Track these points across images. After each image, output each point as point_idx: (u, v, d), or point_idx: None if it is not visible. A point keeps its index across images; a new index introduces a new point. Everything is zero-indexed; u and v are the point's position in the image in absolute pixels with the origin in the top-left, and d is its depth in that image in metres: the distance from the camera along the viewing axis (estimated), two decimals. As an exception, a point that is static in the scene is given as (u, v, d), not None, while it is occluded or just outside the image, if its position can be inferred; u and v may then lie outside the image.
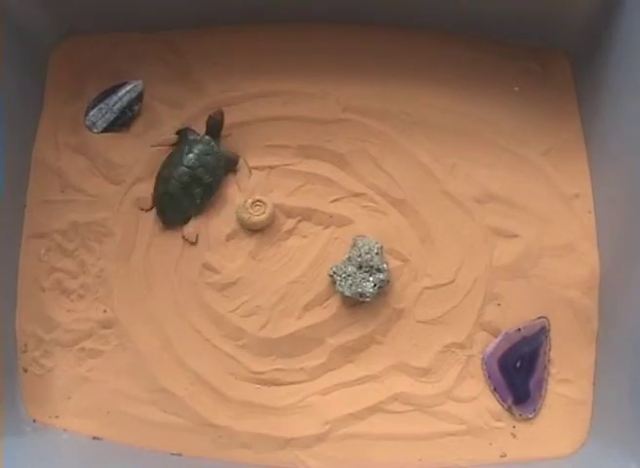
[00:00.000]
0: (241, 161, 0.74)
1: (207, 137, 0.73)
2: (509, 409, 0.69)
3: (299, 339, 0.71)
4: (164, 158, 0.73)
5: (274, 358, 0.70)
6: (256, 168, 0.74)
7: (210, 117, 0.73)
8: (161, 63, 0.77)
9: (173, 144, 0.74)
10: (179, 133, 0.74)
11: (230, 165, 0.74)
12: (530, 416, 0.69)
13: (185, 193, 0.72)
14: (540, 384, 0.69)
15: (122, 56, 0.77)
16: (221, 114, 0.73)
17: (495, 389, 0.69)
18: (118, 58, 0.77)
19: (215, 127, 0.73)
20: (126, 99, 0.75)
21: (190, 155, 0.72)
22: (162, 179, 0.72)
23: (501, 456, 0.68)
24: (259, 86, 0.76)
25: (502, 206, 0.74)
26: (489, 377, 0.69)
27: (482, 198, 0.74)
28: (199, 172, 0.72)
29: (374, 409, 0.69)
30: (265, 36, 0.77)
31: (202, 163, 0.72)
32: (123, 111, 0.75)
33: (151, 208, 0.73)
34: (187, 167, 0.71)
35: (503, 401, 0.69)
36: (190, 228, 0.72)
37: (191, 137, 0.73)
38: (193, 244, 0.72)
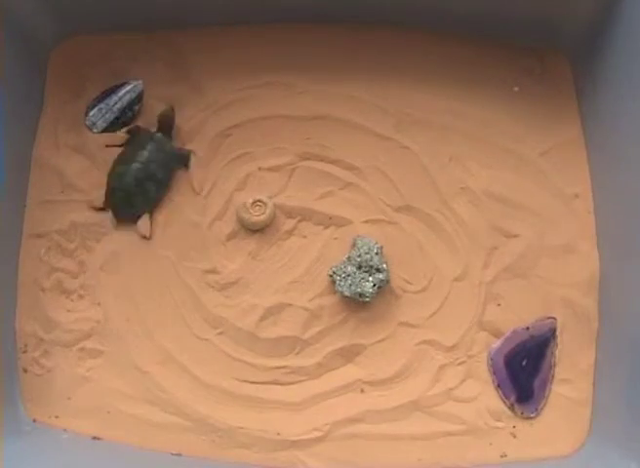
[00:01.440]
0: (192, 156, 0.74)
1: (159, 134, 0.73)
2: (511, 407, 0.69)
3: (299, 340, 0.71)
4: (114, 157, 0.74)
5: (274, 358, 0.70)
6: (258, 168, 0.74)
7: (161, 114, 0.73)
8: (161, 63, 0.77)
9: (122, 144, 0.74)
10: (130, 131, 0.74)
11: (182, 161, 0.74)
12: (532, 415, 0.69)
13: (139, 189, 0.72)
14: (545, 384, 0.69)
15: (122, 56, 0.77)
16: (172, 110, 0.73)
17: (498, 385, 0.69)
18: (118, 58, 0.77)
19: (166, 123, 0.74)
20: (126, 99, 0.75)
21: (144, 151, 0.72)
22: (115, 176, 0.72)
23: (502, 456, 0.68)
24: (259, 86, 0.76)
25: (503, 206, 0.73)
26: (494, 373, 0.69)
27: (482, 198, 0.74)
28: (152, 168, 0.72)
29: (373, 410, 0.69)
30: (266, 36, 0.77)
31: (155, 159, 0.72)
32: (123, 111, 0.75)
33: (104, 206, 0.73)
34: (141, 163, 0.72)
35: (506, 398, 0.69)
36: (145, 224, 0.73)
37: (143, 135, 0.73)
38: (147, 239, 0.73)
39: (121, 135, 0.74)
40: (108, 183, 0.73)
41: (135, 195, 0.72)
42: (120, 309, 0.72)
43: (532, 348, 0.70)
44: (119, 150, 0.74)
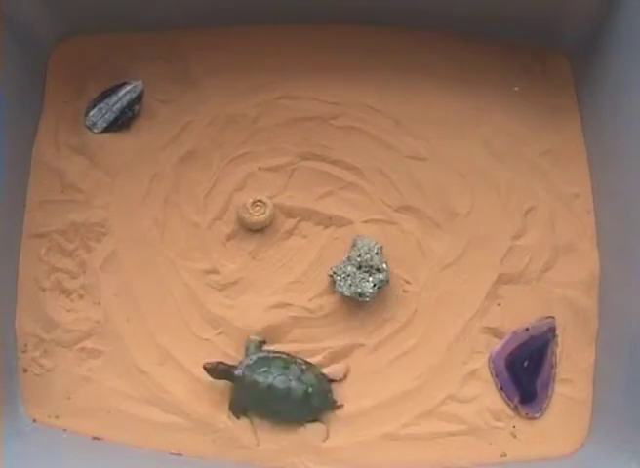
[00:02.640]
0: (254, 337, 0.70)
1: (239, 370, 0.67)
2: (515, 408, 0.69)
3: (298, 340, 0.70)
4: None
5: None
6: (258, 168, 0.74)
7: (211, 374, 0.68)
8: (161, 63, 0.77)
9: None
10: (229, 378, 0.68)
11: (261, 345, 0.69)
12: (536, 416, 0.69)
13: (306, 393, 0.67)
14: (547, 384, 0.69)
15: (122, 56, 0.77)
16: (208, 364, 0.67)
17: (501, 388, 0.69)
18: (118, 58, 0.77)
19: (222, 371, 0.68)
20: (126, 99, 0.75)
21: (271, 376, 0.67)
22: (281, 408, 0.67)
23: (502, 456, 0.68)
24: (259, 86, 0.76)
25: (502, 205, 0.73)
26: (495, 376, 0.69)
27: (482, 197, 0.73)
28: (277, 375, 0.67)
29: (374, 409, 0.69)
30: (265, 36, 0.77)
31: (264, 370, 0.67)
32: (123, 111, 0.75)
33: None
34: (274, 376, 0.67)
35: (510, 399, 0.69)
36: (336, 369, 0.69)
37: (240, 373, 0.67)
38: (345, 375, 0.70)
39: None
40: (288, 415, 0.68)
41: (314, 391, 0.67)
42: (120, 309, 0.71)
43: (532, 349, 0.70)
44: (116, 151, 0.74)
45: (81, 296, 0.72)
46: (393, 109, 0.75)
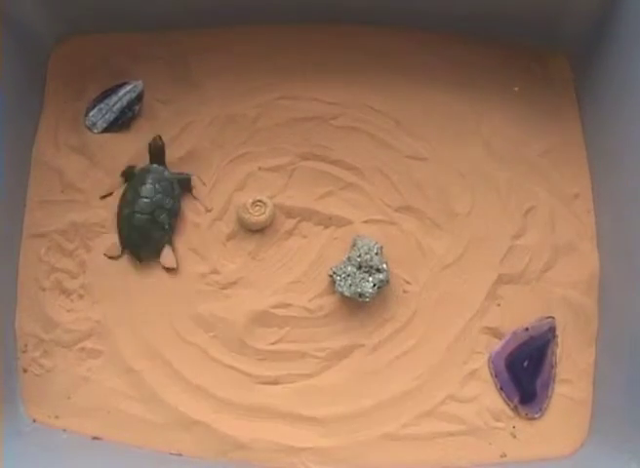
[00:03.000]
0: (194, 178, 0.74)
1: (154, 165, 0.73)
2: (515, 409, 0.69)
3: (298, 339, 0.70)
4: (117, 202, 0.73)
5: (273, 359, 0.70)
6: (258, 168, 0.74)
7: (150, 144, 0.73)
8: (161, 64, 0.77)
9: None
10: (124, 174, 0.73)
11: (185, 185, 0.73)
12: (536, 416, 0.69)
13: (153, 223, 0.71)
14: (547, 384, 0.69)
15: (122, 56, 0.77)
16: (160, 139, 0.72)
17: (501, 388, 0.69)
18: (118, 58, 0.77)
19: (158, 152, 0.73)
20: (126, 100, 0.75)
21: (146, 185, 0.71)
22: (124, 219, 0.72)
23: (501, 456, 0.68)
24: (259, 86, 0.76)
25: (502, 206, 0.73)
26: (495, 376, 0.69)
27: (482, 197, 0.74)
28: (158, 198, 0.71)
29: (374, 409, 0.69)
30: (265, 37, 0.77)
31: (159, 190, 0.72)
32: (123, 111, 0.75)
33: (122, 253, 0.72)
34: (146, 197, 0.71)
35: (510, 400, 0.69)
36: (168, 256, 0.72)
37: (138, 172, 0.73)
38: (174, 270, 0.72)
39: (116, 181, 0.74)
40: (121, 228, 0.72)
41: (150, 231, 0.71)
42: (119, 309, 0.71)
43: (532, 349, 0.70)
44: (117, 151, 0.74)
45: (81, 296, 0.72)
46: (393, 109, 0.75)
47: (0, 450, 0.62)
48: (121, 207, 0.72)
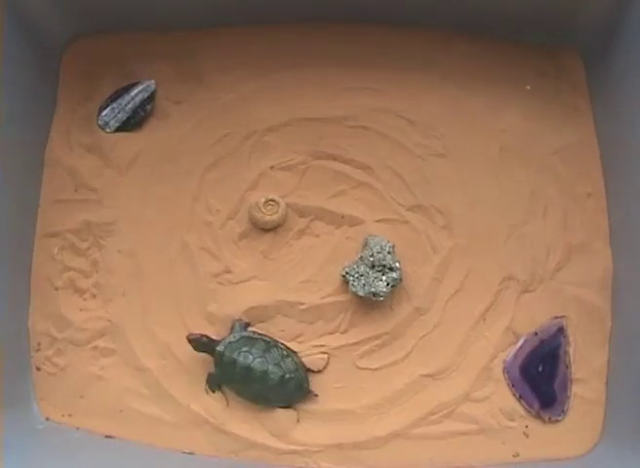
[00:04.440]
0: (240, 318, 0.71)
1: (218, 351, 0.68)
2: (538, 415, 0.68)
3: (309, 339, 0.71)
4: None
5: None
6: (270, 167, 0.74)
7: (193, 346, 0.68)
8: (173, 63, 0.77)
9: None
10: (211, 384, 0.70)
11: (246, 326, 0.70)
12: (559, 419, 0.68)
13: (282, 379, 0.68)
14: (565, 384, 0.69)
15: (134, 55, 0.77)
16: (191, 335, 0.68)
17: (520, 397, 0.69)
18: (130, 57, 0.77)
19: (202, 343, 0.68)
20: (138, 99, 0.75)
21: (237, 361, 0.67)
22: (261, 389, 0.68)
23: (514, 456, 0.68)
24: (271, 86, 0.76)
25: (515, 205, 0.73)
26: (512, 386, 0.69)
27: (493, 198, 0.73)
28: (256, 353, 0.68)
29: (386, 408, 0.69)
30: (276, 35, 0.77)
31: (245, 350, 0.68)
32: (135, 111, 0.75)
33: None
34: (254, 356, 0.68)
35: (530, 407, 0.69)
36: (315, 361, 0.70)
37: (216, 370, 0.69)
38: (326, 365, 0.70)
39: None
40: (272, 399, 0.69)
41: (290, 378, 0.68)
42: (132, 308, 0.72)
43: (545, 352, 0.70)
44: (129, 150, 0.75)
45: (94, 295, 0.72)
46: (406, 109, 0.75)
47: (13, 448, 0.63)
48: (240, 388, 0.68)
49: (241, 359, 0.68)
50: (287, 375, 0.68)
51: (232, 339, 0.69)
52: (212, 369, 0.69)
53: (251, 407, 0.69)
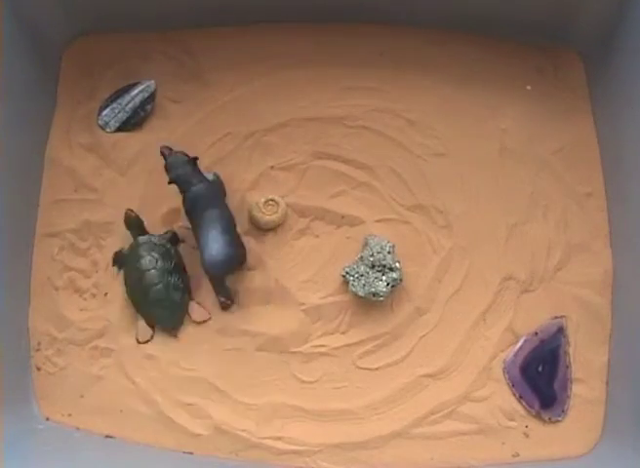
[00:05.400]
0: (178, 230, 0.73)
1: (139, 238, 0.71)
2: (538, 415, 0.68)
3: (310, 339, 0.70)
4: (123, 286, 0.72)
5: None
6: (270, 167, 0.74)
7: (126, 222, 0.71)
8: (173, 63, 0.78)
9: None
10: (115, 261, 0.72)
11: (175, 241, 0.72)
12: (559, 419, 0.68)
13: (168, 289, 0.70)
14: (565, 384, 0.69)
15: (134, 55, 0.78)
16: (131, 211, 0.71)
17: (520, 397, 0.69)
18: (130, 57, 0.78)
19: (136, 225, 0.71)
20: (139, 99, 0.75)
21: (144, 258, 0.70)
22: (141, 299, 0.70)
23: (514, 456, 0.68)
24: (271, 85, 0.76)
25: (515, 204, 0.73)
26: (512, 386, 0.69)
27: (493, 197, 0.73)
28: (161, 265, 0.70)
29: (386, 408, 0.69)
30: (276, 35, 0.77)
31: (156, 257, 0.70)
32: (136, 111, 0.75)
33: (154, 332, 0.71)
34: (150, 269, 0.70)
35: (531, 407, 0.68)
36: (197, 311, 0.71)
37: (128, 251, 0.71)
38: (206, 320, 0.71)
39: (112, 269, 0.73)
40: (142, 310, 0.71)
41: (170, 297, 0.70)
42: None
43: (545, 352, 0.70)
44: (129, 150, 0.75)
45: (94, 295, 0.73)
46: (406, 109, 0.75)
47: (13, 448, 0.63)
48: (132, 291, 0.71)
49: (142, 261, 0.70)
50: (165, 298, 0.69)
51: (154, 241, 0.71)
52: (126, 248, 0.72)
53: (251, 407, 0.69)
